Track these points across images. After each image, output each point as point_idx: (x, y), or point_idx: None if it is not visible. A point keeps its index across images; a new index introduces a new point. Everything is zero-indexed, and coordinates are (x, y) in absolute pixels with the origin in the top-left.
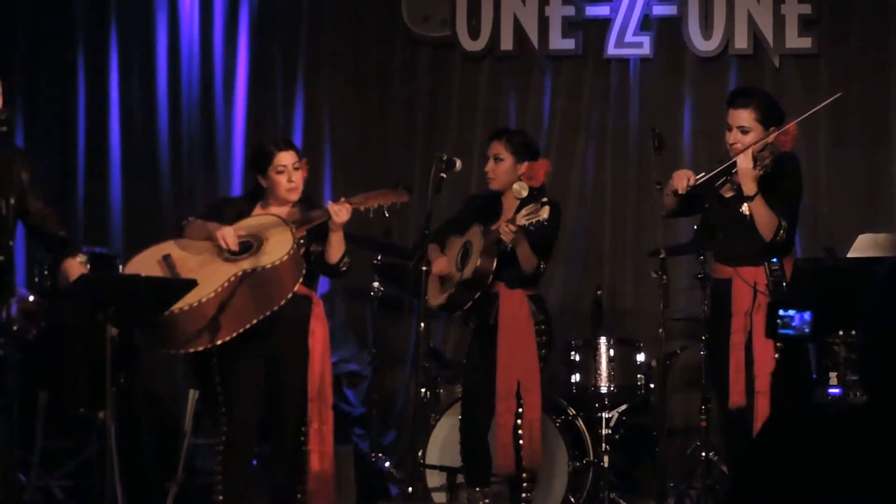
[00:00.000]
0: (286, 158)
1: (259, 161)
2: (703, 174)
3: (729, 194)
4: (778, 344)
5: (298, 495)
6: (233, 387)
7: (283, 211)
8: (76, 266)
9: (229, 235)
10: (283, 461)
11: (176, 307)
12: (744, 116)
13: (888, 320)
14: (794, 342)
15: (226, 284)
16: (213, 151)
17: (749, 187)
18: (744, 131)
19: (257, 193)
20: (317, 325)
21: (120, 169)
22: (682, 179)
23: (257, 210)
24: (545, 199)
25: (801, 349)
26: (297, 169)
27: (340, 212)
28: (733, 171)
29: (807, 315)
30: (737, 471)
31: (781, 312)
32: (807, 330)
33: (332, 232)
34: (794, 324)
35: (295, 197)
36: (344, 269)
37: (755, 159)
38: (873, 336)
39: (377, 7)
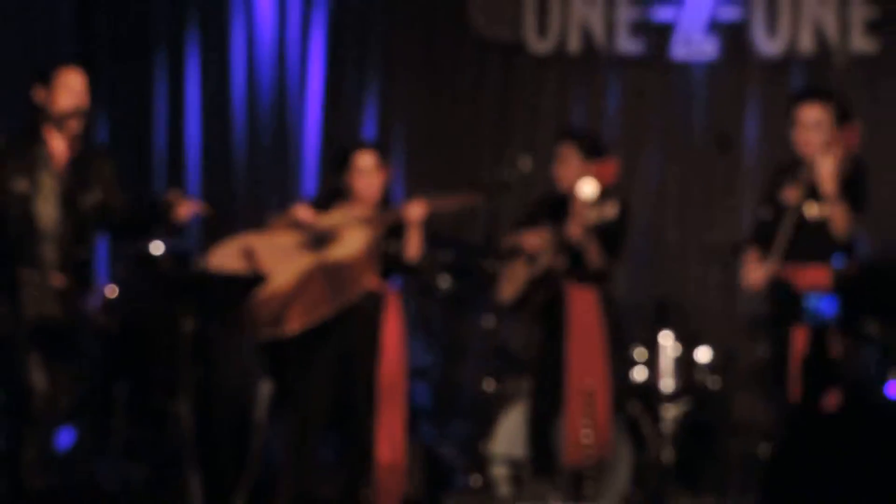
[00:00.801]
0: (366, 160)
1: (340, 162)
2: (771, 258)
3: (796, 199)
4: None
5: (367, 484)
6: (304, 377)
7: (362, 209)
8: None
9: (303, 210)
10: (352, 450)
11: (255, 294)
12: (815, 113)
13: None
14: (822, 327)
15: (302, 274)
16: (286, 149)
17: (831, 188)
18: (814, 128)
19: (339, 192)
20: (391, 318)
21: (198, 165)
22: (757, 278)
23: (339, 207)
24: (614, 197)
25: (830, 335)
26: (376, 170)
27: (414, 210)
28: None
29: (834, 301)
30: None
31: (811, 301)
32: (834, 316)
33: (411, 230)
34: (822, 310)
35: (376, 197)
36: (421, 267)
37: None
38: None
39: (447, 10)
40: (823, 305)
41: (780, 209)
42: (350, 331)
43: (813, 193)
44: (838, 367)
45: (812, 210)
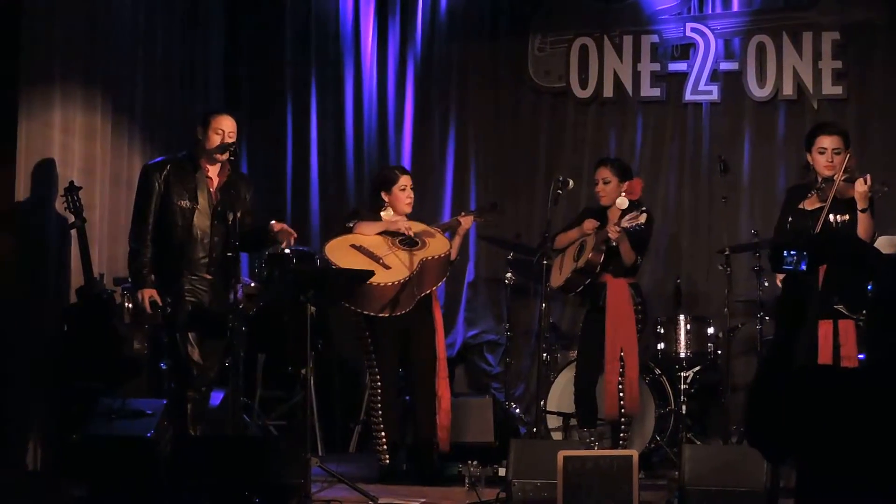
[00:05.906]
0: (407, 181)
1: (387, 181)
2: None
3: (813, 206)
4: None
5: (434, 430)
6: (381, 352)
7: (398, 219)
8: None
9: (404, 224)
10: (420, 403)
11: (378, 281)
12: (836, 141)
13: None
14: (791, 274)
15: (417, 268)
16: None
17: (864, 203)
18: (837, 153)
19: (379, 205)
20: (436, 305)
21: (318, 187)
22: None
23: (385, 216)
24: (644, 209)
25: (797, 280)
26: (412, 189)
27: (467, 222)
28: (814, 191)
29: (804, 256)
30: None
31: (785, 253)
32: (802, 266)
33: (458, 236)
34: (794, 262)
35: (409, 210)
36: (456, 263)
37: (871, 184)
38: (872, 318)
39: (510, 66)
40: (798, 261)
41: (799, 216)
42: (411, 313)
43: (835, 204)
44: (807, 303)
45: (838, 216)
